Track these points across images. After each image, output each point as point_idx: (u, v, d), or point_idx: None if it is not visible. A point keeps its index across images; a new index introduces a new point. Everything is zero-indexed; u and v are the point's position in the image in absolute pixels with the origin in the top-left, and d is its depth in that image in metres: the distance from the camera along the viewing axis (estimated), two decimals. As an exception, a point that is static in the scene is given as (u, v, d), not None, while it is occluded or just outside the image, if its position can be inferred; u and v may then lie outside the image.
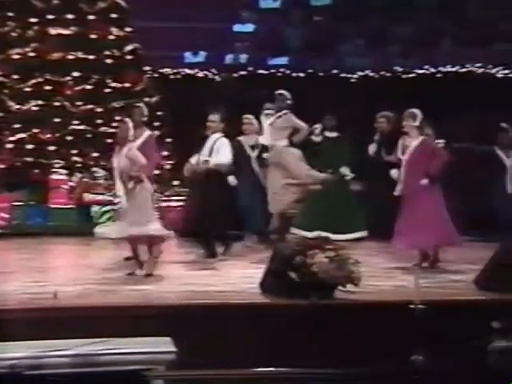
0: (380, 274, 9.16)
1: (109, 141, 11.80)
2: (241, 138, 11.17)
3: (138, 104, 10.47)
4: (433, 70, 14.40)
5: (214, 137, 10.19)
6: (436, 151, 9.59)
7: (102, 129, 12.44)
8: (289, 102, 10.70)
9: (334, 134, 11.93)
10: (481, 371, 7.30)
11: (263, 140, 10.93)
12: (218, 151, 10.10)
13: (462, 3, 15.35)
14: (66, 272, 9.51)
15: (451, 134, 12.86)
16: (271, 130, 10.70)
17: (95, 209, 12.25)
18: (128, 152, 8.87)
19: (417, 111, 9.72)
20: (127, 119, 9.23)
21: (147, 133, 10.07)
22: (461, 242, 9.67)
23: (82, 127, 12.66)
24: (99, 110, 12.73)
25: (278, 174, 10.49)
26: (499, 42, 14.73)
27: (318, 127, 11.81)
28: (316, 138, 11.82)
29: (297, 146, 10.70)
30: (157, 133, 13.01)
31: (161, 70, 14.17)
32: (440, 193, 9.56)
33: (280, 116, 10.66)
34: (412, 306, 7.35)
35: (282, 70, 14.60)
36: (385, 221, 11.11)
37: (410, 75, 14.38)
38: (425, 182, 9.42)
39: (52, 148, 12.68)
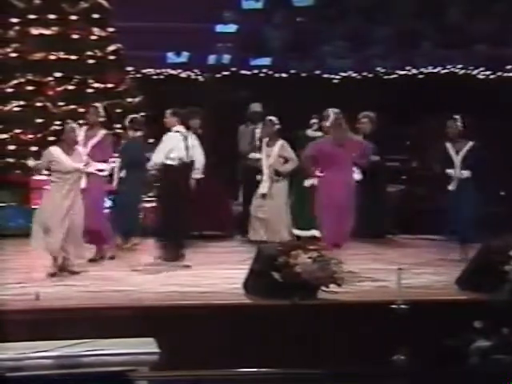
0: (362, 274, 9.19)
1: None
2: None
3: (94, 104, 10.48)
4: (414, 71, 14.46)
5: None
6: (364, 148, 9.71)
7: (84, 129, 12.36)
8: (277, 126, 10.74)
9: (318, 134, 11.96)
10: (463, 371, 7.35)
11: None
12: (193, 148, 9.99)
13: (443, 4, 15.41)
14: (47, 273, 9.46)
15: (433, 134, 12.96)
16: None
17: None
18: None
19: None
20: (74, 124, 9.24)
21: (102, 132, 10.03)
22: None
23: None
24: (81, 110, 12.67)
25: None
26: (480, 43, 14.81)
27: (315, 121, 11.86)
28: (312, 133, 11.86)
29: (291, 139, 10.76)
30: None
31: (143, 71, 14.13)
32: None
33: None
34: (394, 306, 7.41)
35: (264, 70, 14.60)
36: (371, 221, 11.22)
37: (392, 76, 14.43)
38: (358, 176, 9.71)
39: (34, 149, 12.60)
